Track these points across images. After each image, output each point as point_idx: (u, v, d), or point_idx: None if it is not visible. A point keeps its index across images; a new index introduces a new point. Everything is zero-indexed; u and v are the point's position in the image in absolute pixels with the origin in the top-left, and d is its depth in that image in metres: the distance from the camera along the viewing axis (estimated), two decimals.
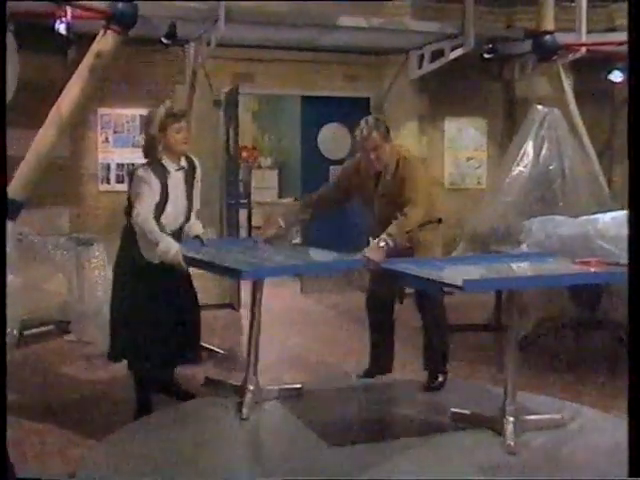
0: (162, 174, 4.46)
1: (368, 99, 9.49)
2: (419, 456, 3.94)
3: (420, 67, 9.19)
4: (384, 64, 9.53)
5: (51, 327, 6.87)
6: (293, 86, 9.42)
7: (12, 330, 5.79)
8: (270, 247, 4.88)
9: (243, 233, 10.69)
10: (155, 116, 4.51)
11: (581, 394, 5.17)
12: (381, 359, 5.12)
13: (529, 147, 7.17)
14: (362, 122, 4.76)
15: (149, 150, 4.53)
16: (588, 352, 6.34)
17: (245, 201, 11.75)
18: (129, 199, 4.51)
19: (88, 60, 7.06)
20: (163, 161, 4.49)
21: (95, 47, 7.07)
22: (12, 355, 5.76)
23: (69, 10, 6.58)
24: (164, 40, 7.96)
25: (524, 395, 4.54)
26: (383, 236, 4.42)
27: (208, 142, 8.51)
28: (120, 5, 7.05)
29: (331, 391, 5.10)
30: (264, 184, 13.87)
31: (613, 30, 8.90)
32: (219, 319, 7.54)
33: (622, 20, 8.55)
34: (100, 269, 6.58)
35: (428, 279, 4.01)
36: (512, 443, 3.94)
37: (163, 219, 4.44)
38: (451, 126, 9.74)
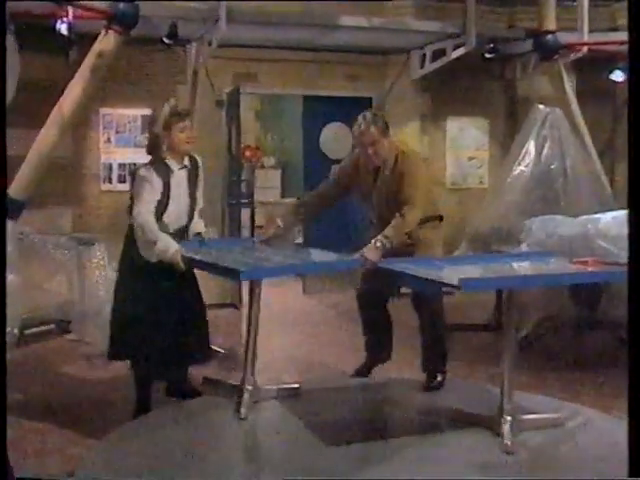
0: (165, 173, 4.46)
1: (370, 99, 9.49)
2: (417, 455, 3.93)
3: (422, 67, 9.19)
4: (386, 64, 9.54)
5: (51, 326, 6.88)
6: (295, 86, 9.44)
7: (12, 329, 5.81)
8: (268, 247, 4.88)
9: (246, 233, 10.69)
10: (160, 115, 4.51)
11: (580, 394, 5.17)
12: (376, 351, 5.11)
13: (531, 146, 7.16)
14: (360, 117, 4.75)
15: (153, 149, 4.54)
16: (588, 352, 6.33)
17: (247, 201, 11.76)
18: (132, 198, 4.53)
19: (89, 60, 7.08)
20: (166, 160, 4.50)
21: (96, 47, 7.10)
22: (12, 354, 5.79)
23: (70, 10, 6.61)
24: (165, 40, 7.98)
25: (523, 395, 4.54)
26: (380, 237, 4.44)
27: (210, 142, 8.51)
28: (121, 5, 7.07)
29: (329, 390, 5.09)
30: (267, 184, 13.90)
31: (615, 29, 8.90)
32: (220, 318, 7.54)
33: (624, 19, 8.52)
34: (101, 269, 6.59)
35: (425, 279, 4.01)
36: (509, 442, 3.94)
37: (165, 218, 4.45)
38: (453, 126, 9.74)
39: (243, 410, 4.40)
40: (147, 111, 7.78)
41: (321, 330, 7.41)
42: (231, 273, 4.37)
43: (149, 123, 4.66)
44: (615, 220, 5.84)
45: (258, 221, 11.61)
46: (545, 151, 7.13)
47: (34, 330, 6.68)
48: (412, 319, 4.98)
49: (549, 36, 8.60)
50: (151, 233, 4.34)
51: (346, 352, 6.13)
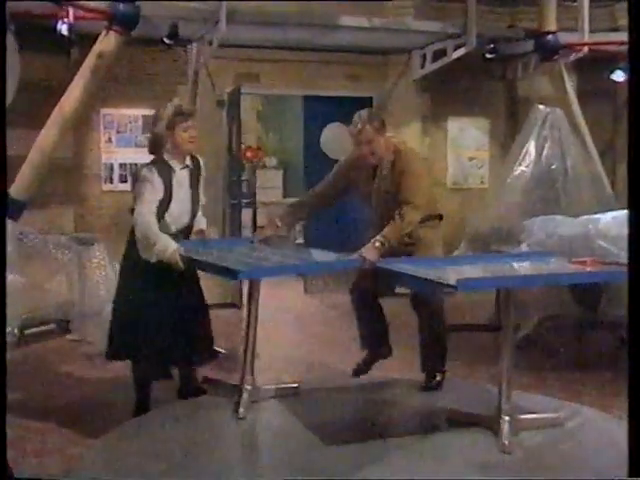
0: (166, 173, 4.46)
1: (371, 99, 9.49)
2: (416, 455, 3.93)
3: (422, 67, 9.20)
4: (386, 64, 9.55)
5: (52, 326, 6.88)
6: (295, 86, 9.45)
7: (13, 329, 5.82)
8: (267, 247, 4.87)
9: (247, 233, 10.69)
10: (163, 114, 4.50)
11: (581, 394, 5.16)
12: (375, 345, 5.08)
13: (531, 147, 7.16)
14: (356, 116, 4.74)
15: (155, 148, 4.53)
16: (589, 351, 6.33)
17: (248, 201, 11.77)
18: (134, 198, 4.53)
19: (90, 60, 7.10)
20: (168, 159, 4.49)
21: (97, 47, 7.11)
22: (12, 354, 5.79)
23: (71, 11, 6.63)
24: (166, 40, 8.00)
25: (522, 394, 4.54)
26: (379, 237, 4.43)
27: (211, 142, 8.51)
28: (122, 6, 7.09)
29: (329, 390, 5.09)
30: (269, 184, 13.91)
31: (616, 30, 8.90)
32: (221, 318, 7.54)
33: (625, 20, 8.48)
34: (101, 269, 6.60)
35: (423, 278, 4.01)
36: (507, 442, 3.94)
37: (167, 217, 4.46)
38: (453, 126, 9.75)
39: (241, 410, 4.40)
40: (148, 111, 7.76)
41: (322, 330, 7.41)
42: (229, 273, 4.36)
43: (152, 122, 4.65)
44: (615, 220, 5.84)
45: (260, 221, 11.63)
46: (545, 151, 7.13)
47: (34, 330, 6.68)
48: (412, 319, 4.97)
49: (550, 36, 8.62)
50: (151, 233, 4.34)
51: (346, 352, 6.13)
